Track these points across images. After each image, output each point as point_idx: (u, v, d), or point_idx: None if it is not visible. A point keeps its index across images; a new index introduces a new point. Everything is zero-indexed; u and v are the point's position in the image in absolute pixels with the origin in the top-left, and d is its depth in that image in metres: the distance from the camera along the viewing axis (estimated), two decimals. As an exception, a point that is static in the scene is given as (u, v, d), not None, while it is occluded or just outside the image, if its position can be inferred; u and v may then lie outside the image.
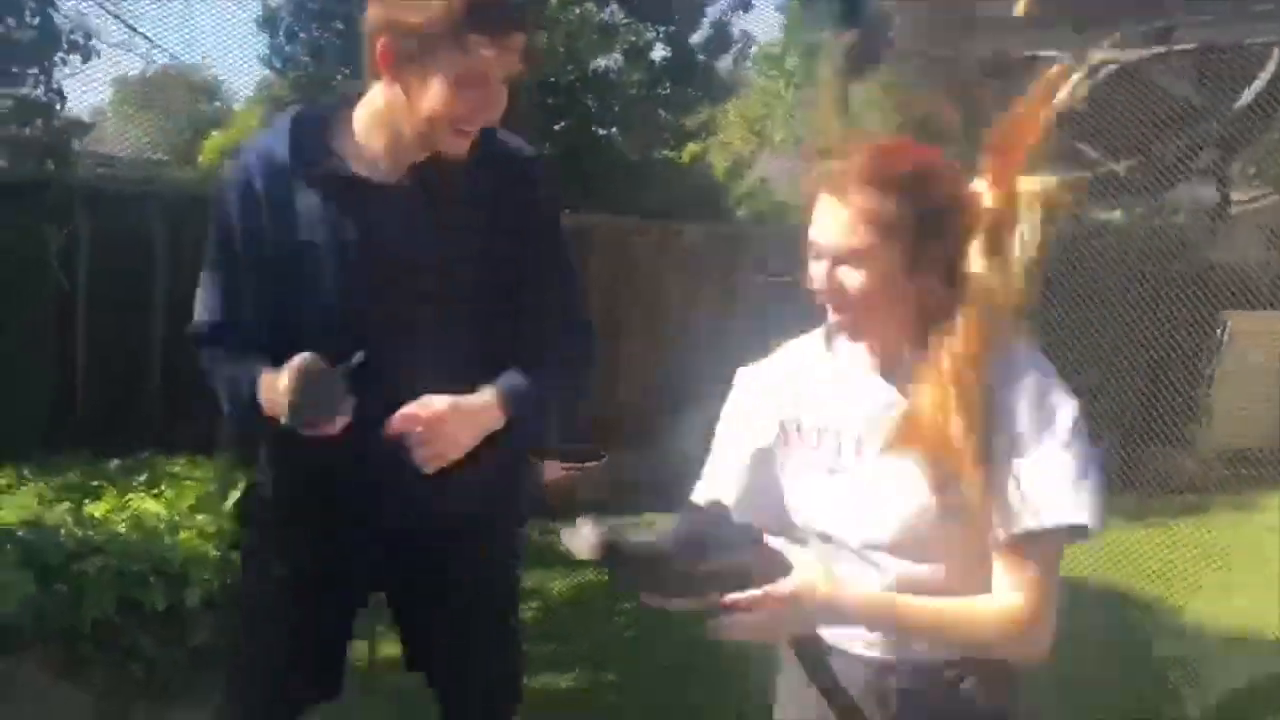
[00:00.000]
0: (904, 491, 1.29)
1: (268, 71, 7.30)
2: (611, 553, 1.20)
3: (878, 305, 1.31)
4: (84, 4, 6.39)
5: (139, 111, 8.59)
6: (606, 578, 1.28)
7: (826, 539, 1.37)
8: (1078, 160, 5.03)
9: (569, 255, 1.79)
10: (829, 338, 1.44)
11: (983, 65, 5.22)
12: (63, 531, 3.34)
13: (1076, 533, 1.25)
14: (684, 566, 1.23)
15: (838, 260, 1.30)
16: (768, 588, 1.23)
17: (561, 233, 1.79)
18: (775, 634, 1.36)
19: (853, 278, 1.30)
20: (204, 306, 1.73)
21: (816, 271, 1.33)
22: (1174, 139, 4.99)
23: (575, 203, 6.80)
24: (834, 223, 1.29)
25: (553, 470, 5.48)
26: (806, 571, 1.27)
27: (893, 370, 1.36)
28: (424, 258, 1.62)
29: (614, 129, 7.90)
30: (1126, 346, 5.26)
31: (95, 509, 3.66)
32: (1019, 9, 4.88)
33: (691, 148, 8.54)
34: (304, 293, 1.62)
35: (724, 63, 8.50)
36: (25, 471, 4.01)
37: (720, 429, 1.51)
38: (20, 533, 3.28)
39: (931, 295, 1.30)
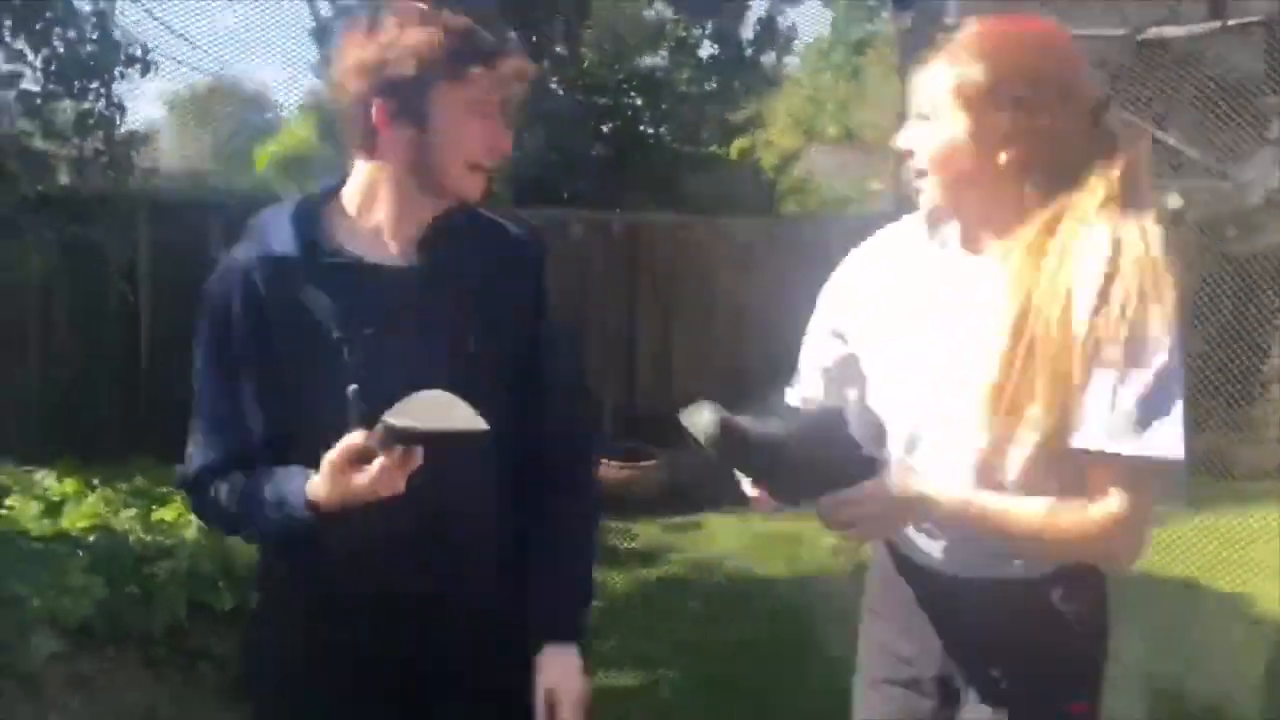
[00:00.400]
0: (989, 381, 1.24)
1: (319, 81, 7.40)
2: (727, 435, 1.20)
3: (956, 173, 1.29)
4: (137, 19, 6.48)
5: (192, 124, 8.75)
6: (718, 459, 1.27)
7: (911, 439, 1.33)
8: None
9: (568, 345, 1.73)
10: (931, 222, 1.41)
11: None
12: (131, 537, 3.42)
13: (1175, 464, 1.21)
14: (797, 457, 1.22)
15: (920, 119, 1.32)
16: (868, 485, 1.23)
17: (553, 323, 1.70)
18: (876, 532, 1.34)
19: (928, 137, 1.31)
20: (206, 441, 1.57)
21: (905, 132, 1.34)
22: (1241, 111, 4.86)
23: (626, 201, 6.84)
24: (923, 84, 1.31)
25: (605, 468, 5.49)
26: (900, 471, 1.28)
27: (987, 252, 1.32)
28: (441, 342, 1.55)
29: (662, 127, 7.88)
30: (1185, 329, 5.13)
31: (164, 514, 3.74)
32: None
33: (740, 143, 8.50)
34: (324, 392, 1.48)
35: (769, 58, 8.45)
36: (94, 480, 4.10)
37: (813, 321, 1.51)
38: (90, 538, 3.37)
39: (1021, 176, 1.26)
